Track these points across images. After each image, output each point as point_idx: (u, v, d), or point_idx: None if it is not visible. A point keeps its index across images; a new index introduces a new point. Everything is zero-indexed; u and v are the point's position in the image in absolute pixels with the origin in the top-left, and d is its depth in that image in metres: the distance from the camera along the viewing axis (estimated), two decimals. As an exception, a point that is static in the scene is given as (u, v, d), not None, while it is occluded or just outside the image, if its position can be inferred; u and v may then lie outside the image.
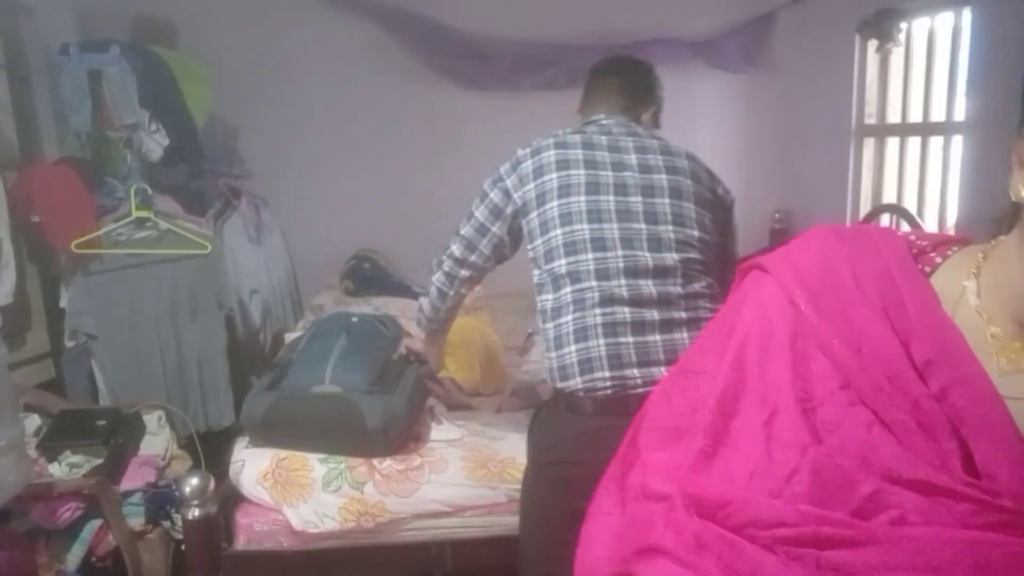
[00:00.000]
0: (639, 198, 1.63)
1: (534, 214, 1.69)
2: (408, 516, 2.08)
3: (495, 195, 1.78)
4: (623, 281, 1.57)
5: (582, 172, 1.65)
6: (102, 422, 2.30)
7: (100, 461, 2.19)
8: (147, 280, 2.78)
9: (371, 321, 2.48)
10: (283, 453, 2.11)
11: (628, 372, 1.54)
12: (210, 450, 2.57)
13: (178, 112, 3.00)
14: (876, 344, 0.64)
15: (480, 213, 1.80)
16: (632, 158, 1.69)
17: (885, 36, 3.16)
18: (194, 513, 1.96)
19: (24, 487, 1.87)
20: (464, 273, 1.88)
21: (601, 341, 1.55)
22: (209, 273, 2.82)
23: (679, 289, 1.58)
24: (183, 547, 2.06)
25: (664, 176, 1.67)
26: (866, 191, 3.58)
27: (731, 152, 3.81)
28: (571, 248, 1.61)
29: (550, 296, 1.64)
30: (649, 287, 1.57)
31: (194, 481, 1.97)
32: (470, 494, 2.11)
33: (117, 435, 2.30)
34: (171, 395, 2.75)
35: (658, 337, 1.56)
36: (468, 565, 2.12)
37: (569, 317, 1.59)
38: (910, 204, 3.26)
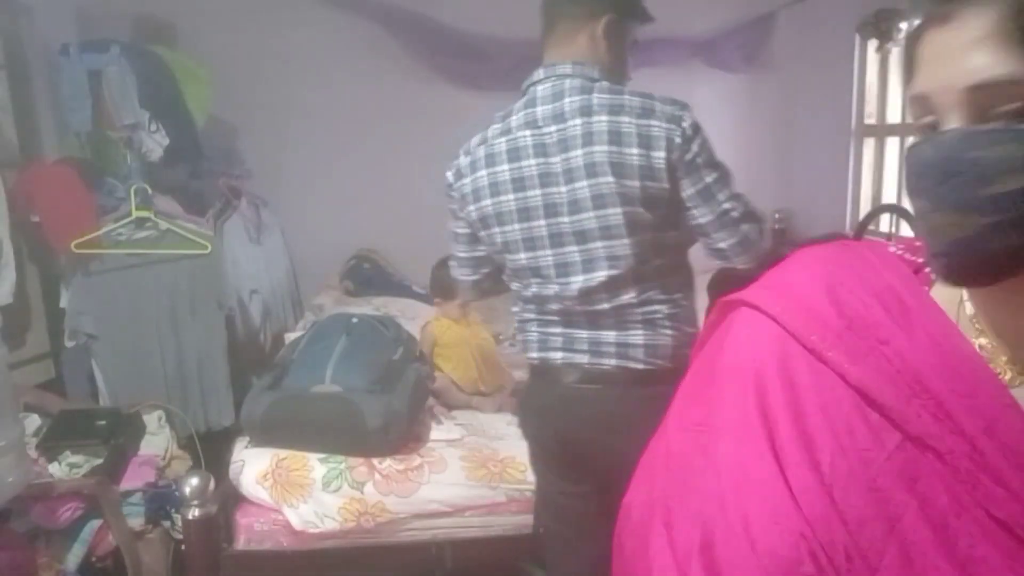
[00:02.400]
0: (567, 217, 1.49)
1: (484, 234, 1.64)
2: (408, 516, 2.08)
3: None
4: (556, 306, 1.55)
5: (512, 197, 1.54)
6: (102, 422, 2.30)
7: (100, 461, 2.19)
8: (147, 280, 2.78)
9: (371, 322, 2.48)
10: (283, 453, 2.11)
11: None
12: (210, 450, 2.57)
13: (178, 112, 3.00)
14: (921, 377, 0.60)
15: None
16: (555, 153, 1.50)
17: (885, 36, 3.16)
18: (194, 513, 1.96)
19: (24, 487, 1.86)
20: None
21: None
22: (209, 273, 2.82)
23: (606, 305, 1.51)
24: (183, 547, 2.06)
25: (581, 164, 1.46)
26: (866, 191, 3.58)
27: (731, 152, 3.78)
28: (515, 274, 1.60)
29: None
30: (577, 308, 1.53)
31: (194, 481, 1.97)
32: (470, 494, 2.11)
33: (117, 435, 2.30)
34: (171, 395, 2.75)
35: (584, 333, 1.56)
36: (468, 565, 2.12)
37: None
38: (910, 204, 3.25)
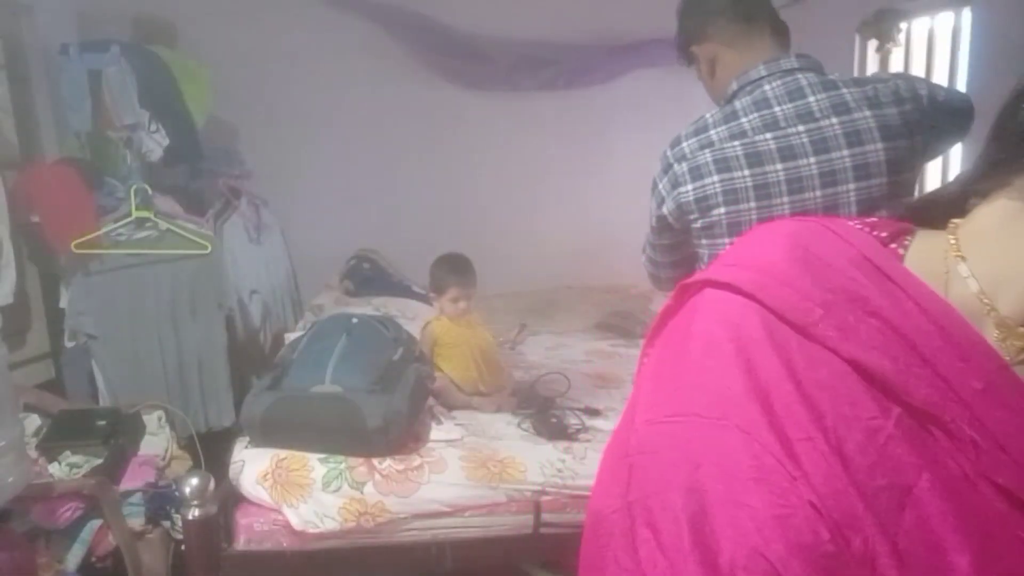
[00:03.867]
0: None
1: (706, 242, 1.49)
2: (408, 516, 2.08)
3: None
4: None
5: (754, 206, 1.38)
6: (102, 422, 2.30)
7: (100, 461, 2.19)
8: (147, 280, 2.78)
9: (371, 322, 2.48)
10: (283, 453, 2.11)
11: None
12: (210, 450, 2.57)
13: (178, 112, 3.00)
14: (915, 344, 0.59)
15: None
16: (804, 155, 1.37)
17: (885, 36, 3.16)
18: (194, 513, 1.96)
19: (24, 487, 1.86)
20: None
21: None
22: (209, 273, 2.82)
23: None
24: (183, 547, 2.06)
25: (849, 165, 1.34)
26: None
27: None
28: None
29: None
30: None
31: (194, 481, 1.97)
32: (470, 494, 2.11)
33: (117, 435, 2.30)
34: (171, 395, 2.75)
35: None
36: (468, 565, 2.12)
37: None
38: (910, 204, 3.25)
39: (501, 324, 3.32)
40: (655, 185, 1.53)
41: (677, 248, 1.59)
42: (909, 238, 0.67)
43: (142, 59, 2.87)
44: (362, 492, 2.05)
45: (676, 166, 1.45)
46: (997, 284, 0.60)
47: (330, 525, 2.03)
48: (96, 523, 2.09)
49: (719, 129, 1.43)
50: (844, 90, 1.39)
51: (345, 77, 3.78)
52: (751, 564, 0.56)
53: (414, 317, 3.08)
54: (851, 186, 1.36)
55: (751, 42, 1.51)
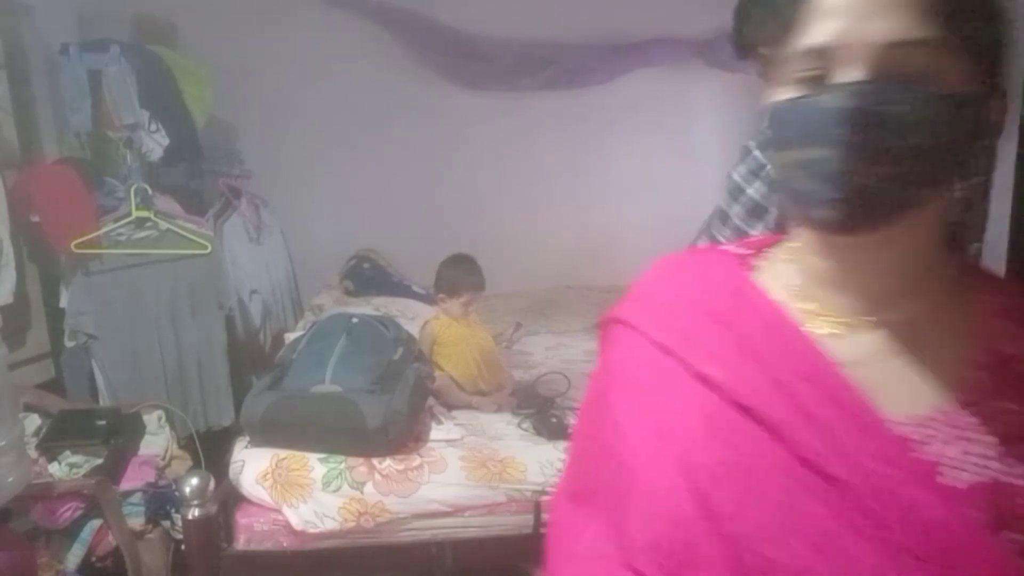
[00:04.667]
0: None
1: None
2: (408, 516, 2.08)
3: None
4: None
5: None
6: (102, 422, 2.30)
7: (100, 461, 2.19)
8: (147, 280, 2.77)
9: (371, 322, 2.48)
10: (283, 453, 2.11)
11: None
12: (210, 450, 2.57)
13: (178, 112, 3.00)
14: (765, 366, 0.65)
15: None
16: None
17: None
18: (194, 513, 1.96)
19: (24, 487, 1.86)
20: None
21: None
22: (209, 273, 2.82)
23: None
24: (183, 547, 2.06)
25: None
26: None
27: (731, 152, 3.80)
28: None
29: None
30: None
31: (194, 481, 1.97)
32: (470, 494, 2.11)
33: (117, 435, 2.30)
34: (171, 395, 2.75)
35: None
36: (468, 565, 2.12)
37: None
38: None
39: (501, 324, 3.32)
40: (739, 189, 1.46)
41: None
42: (770, 250, 0.75)
43: (142, 59, 2.87)
44: (362, 492, 2.05)
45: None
46: (820, 286, 0.67)
47: (330, 525, 2.03)
48: (96, 523, 2.09)
49: None
50: None
51: (345, 77, 3.78)
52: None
53: (414, 317, 3.08)
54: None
55: None
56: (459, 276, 2.62)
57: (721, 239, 1.54)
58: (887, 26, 0.57)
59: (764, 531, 0.59)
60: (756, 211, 1.51)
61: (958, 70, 0.57)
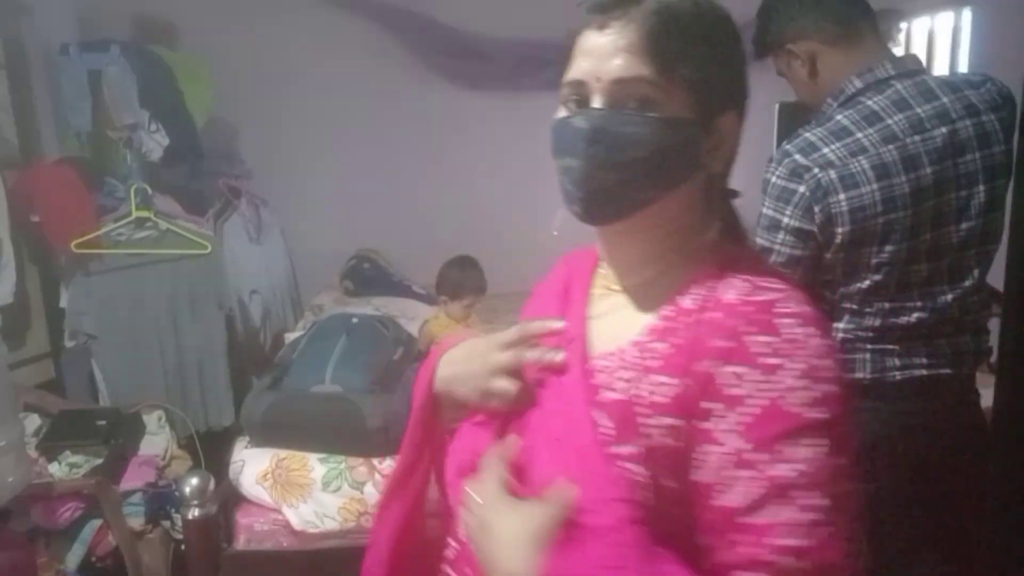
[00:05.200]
0: (953, 226, 1.40)
1: (843, 256, 1.45)
2: (408, 516, 2.08)
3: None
4: (904, 320, 1.46)
5: (911, 211, 1.37)
6: (102, 422, 2.30)
7: (100, 461, 2.19)
8: (147, 280, 2.78)
9: (371, 322, 2.48)
10: (283, 453, 2.11)
11: None
12: (210, 450, 2.57)
13: (178, 112, 3.00)
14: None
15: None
16: (946, 157, 1.37)
17: (885, 36, 3.16)
18: (194, 513, 1.96)
19: (24, 487, 1.87)
20: None
21: None
22: (209, 273, 2.82)
23: (956, 312, 1.46)
24: (183, 547, 2.06)
25: (979, 167, 1.38)
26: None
27: (731, 152, 3.80)
28: (858, 295, 1.47)
29: None
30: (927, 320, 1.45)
31: (194, 481, 1.97)
32: (470, 494, 2.10)
33: (117, 435, 2.30)
34: (171, 395, 2.75)
35: None
36: (468, 565, 2.12)
37: None
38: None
39: (500, 324, 3.31)
40: (787, 191, 1.42)
41: (812, 267, 1.46)
42: None
43: (142, 59, 2.87)
44: (362, 492, 2.05)
45: (820, 173, 1.37)
46: (602, 259, 0.88)
47: (330, 525, 2.03)
48: (96, 523, 2.09)
49: (866, 132, 1.38)
50: (967, 92, 1.40)
51: (345, 77, 3.78)
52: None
53: (414, 317, 3.08)
54: (981, 187, 1.38)
55: (858, 41, 1.48)
56: (462, 279, 2.62)
57: (776, 246, 1.47)
58: (618, 66, 0.74)
59: (503, 431, 0.83)
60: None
61: (674, 100, 0.74)
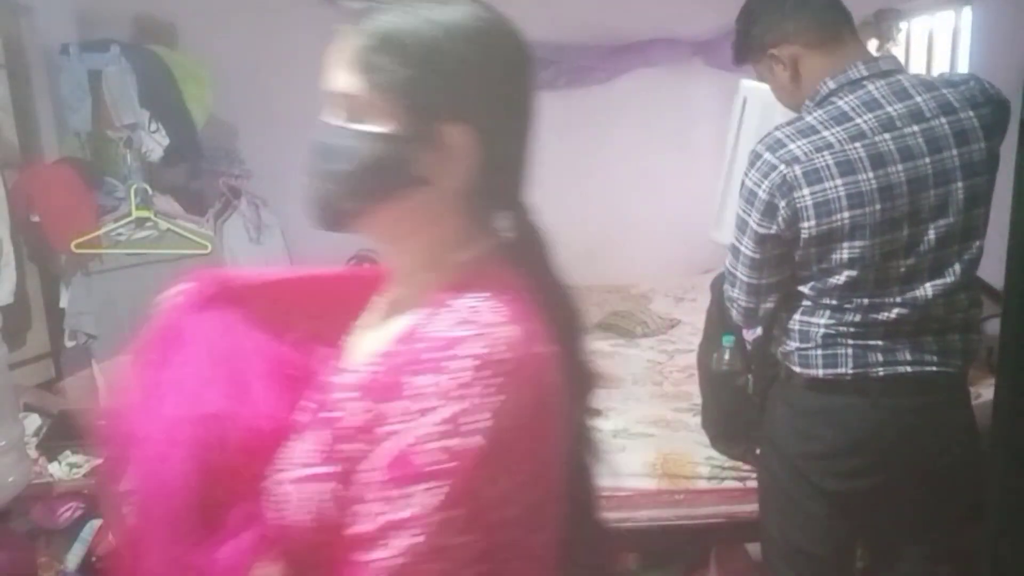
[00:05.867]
0: (931, 223, 1.40)
1: (814, 251, 1.47)
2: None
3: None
4: (884, 316, 1.47)
5: (878, 208, 1.38)
6: (102, 422, 2.30)
7: (100, 461, 2.19)
8: (147, 280, 2.77)
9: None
10: (283, 453, 2.10)
11: None
12: (210, 450, 2.56)
13: (178, 112, 3.00)
14: None
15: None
16: (921, 155, 1.38)
17: (885, 36, 3.16)
18: (194, 513, 1.95)
19: (24, 487, 1.87)
20: None
21: None
22: (209, 273, 2.82)
23: (941, 311, 1.47)
24: (183, 547, 2.06)
25: (957, 164, 1.39)
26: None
27: (730, 151, 3.81)
28: (835, 291, 1.49)
29: None
30: (909, 316, 1.45)
31: (194, 481, 1.96)
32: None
33: (117, 435, 2.29)
34: (171, 395, 2.75)
35: None
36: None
37: None
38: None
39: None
40: (752, 193, 1.44)
41: (777, 265, 1.48)
42: None
43: (142, 59, 2.87)
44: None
45: (785, 169, 1.39)
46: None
47: (330, 525, 2.03)
48: (96, 523, 2.09)
49: (834, 131, 1.39)
50: (944, 90, 1.41)
51: (345, 77, 3.78)
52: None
53: (414, 317, 3.08)
54: (959, 184, 1.38)
55: (839, 44, 1.48)
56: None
57: (741, 247, 1.50)
58: (336, 79, 0.77)
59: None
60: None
61: (384, 114, 0.74)
